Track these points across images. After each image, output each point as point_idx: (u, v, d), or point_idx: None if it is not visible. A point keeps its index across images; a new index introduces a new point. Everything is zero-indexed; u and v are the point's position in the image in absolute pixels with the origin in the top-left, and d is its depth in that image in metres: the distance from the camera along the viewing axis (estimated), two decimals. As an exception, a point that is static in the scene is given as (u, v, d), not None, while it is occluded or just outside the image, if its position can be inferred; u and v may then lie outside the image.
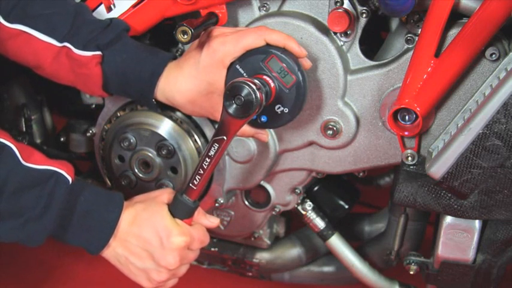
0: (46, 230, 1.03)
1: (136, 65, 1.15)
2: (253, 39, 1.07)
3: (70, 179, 1.04)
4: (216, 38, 1.10)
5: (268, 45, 1.08)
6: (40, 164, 1.02)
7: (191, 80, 1.12)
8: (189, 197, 1.10)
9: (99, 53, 1.14)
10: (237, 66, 1.08)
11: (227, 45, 1.08)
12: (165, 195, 1.13)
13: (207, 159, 1.07)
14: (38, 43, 1.15)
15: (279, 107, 1.09)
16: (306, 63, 1.11)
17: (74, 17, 1.16)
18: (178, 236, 1.08)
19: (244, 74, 1.08)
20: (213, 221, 1.18)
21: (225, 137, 1.05)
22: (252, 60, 1.08)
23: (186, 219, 1.12)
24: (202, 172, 1.08)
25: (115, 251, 1.09)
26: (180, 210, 1.11)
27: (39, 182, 1.01)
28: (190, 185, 1.09)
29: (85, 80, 1.17)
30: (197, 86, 1.11)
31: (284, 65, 1.07)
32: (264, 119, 1.10)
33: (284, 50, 1.08)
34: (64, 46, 1.15)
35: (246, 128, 1.13)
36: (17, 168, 1.00)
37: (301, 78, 1.07)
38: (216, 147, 1.06)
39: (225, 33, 1.11)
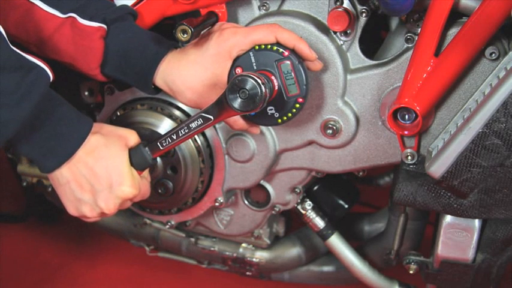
0: (18, 120, 0.96)
1: (140, 44, 1.14)
2: (263, 35, 1.07)
3: (51, 77, 1.01)
4: (228, 28, 1.10)
5: (280, 45, 1.07)
6: (26, 54, 0.99)
7: (195, 66, 1.10)
8: (151, 153, 1.10)
9: (104, 26, 1.13)
10: (250, 54, 1.08)
11: (238, 36, 1.08)
12: (131, 138, 1.12)
13: (185, 128, 1.07)
14: (40, 14, 1.13)
15: (272, 109, 1.09)
16: (319, 63, 1.11)
17: None
18: (130, 187, 1.08)
19: (254, 64, 1.08)
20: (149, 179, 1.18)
21: (212, 118, 1.05)
22: (267, 55, 1.07)
23: (138, 171, 1.11)
24: (175, 138, 1.08)
25: (60, 171, 1.06)
26: (137, 160, 1.10)
27: (21, 67, 0.96)
28: (158, 143, 1.09)
29: (85, 53, 1.14)
30: (201, 74, 1.10)
31: (295, 74, 1.06)
32: (252, 112, 1.10)
33: (301, 61, 1.07)
34: (69, 16, 1.13)
35: (240, 121, 1.13)
36: (2, 45, 0.95)
37: (304, 93, 1.07)
38: (199, 123, 1.05)
39: (236, 26, 1.12)
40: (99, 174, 1.06)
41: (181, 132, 1.07)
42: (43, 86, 0.98)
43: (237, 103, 1.02)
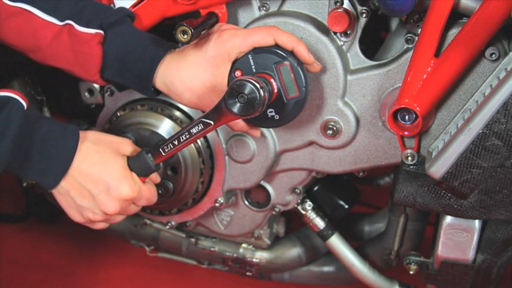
0: (3, 157, 0.99)
1: (138, 47, 1.13)
2: (262, 37, 1.07)
3: (25, 105, 1.02)
4: (227, 30, 1.10)
5: (279, 47, 1.07)
6: None
7: (195, 67, 1.10)
8: (154, 159, 1.11)
9: (101, 32, 1.13)
10: (249, 56, 1.08)
11: (237, 38, 1.07)
12: (124, 146, 1.12)
13: (186, 134, 1.07)
14: (38, 22, 1.13)
15: (271, 111, 1.09)
16: (317, 65, 1.11)
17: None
18: (127, 189, 1.08)
19: (253, 66, 1.08)
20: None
21: (212, 123, 1.05)
22: (266, 58, 1.07)
23: (141, 177, 1.12)
24: (176, 143, 1.08)
25: (59, 184, 1.07)
26: (140, 167, 1.11)
27: None
28: (160, 149, 1.10)
29: (84, 60, 1.15)
30: (200, 76, 1.10)
31: (294, 76, 1.06)
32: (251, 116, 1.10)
33: (300, 63, 1.07)
34: (66, 24, 1.13)
35: (241, 123, 1.13)
36: None
37: (304, 96, 1.07)
38: (199, 128, 1.06)
39: (236, 28, 1.12)
40: (94, 179, 1.07)
41: (182, 138, 1.07)
42: (18, 118, 1.00)
43: (236, 108, 1.01)
